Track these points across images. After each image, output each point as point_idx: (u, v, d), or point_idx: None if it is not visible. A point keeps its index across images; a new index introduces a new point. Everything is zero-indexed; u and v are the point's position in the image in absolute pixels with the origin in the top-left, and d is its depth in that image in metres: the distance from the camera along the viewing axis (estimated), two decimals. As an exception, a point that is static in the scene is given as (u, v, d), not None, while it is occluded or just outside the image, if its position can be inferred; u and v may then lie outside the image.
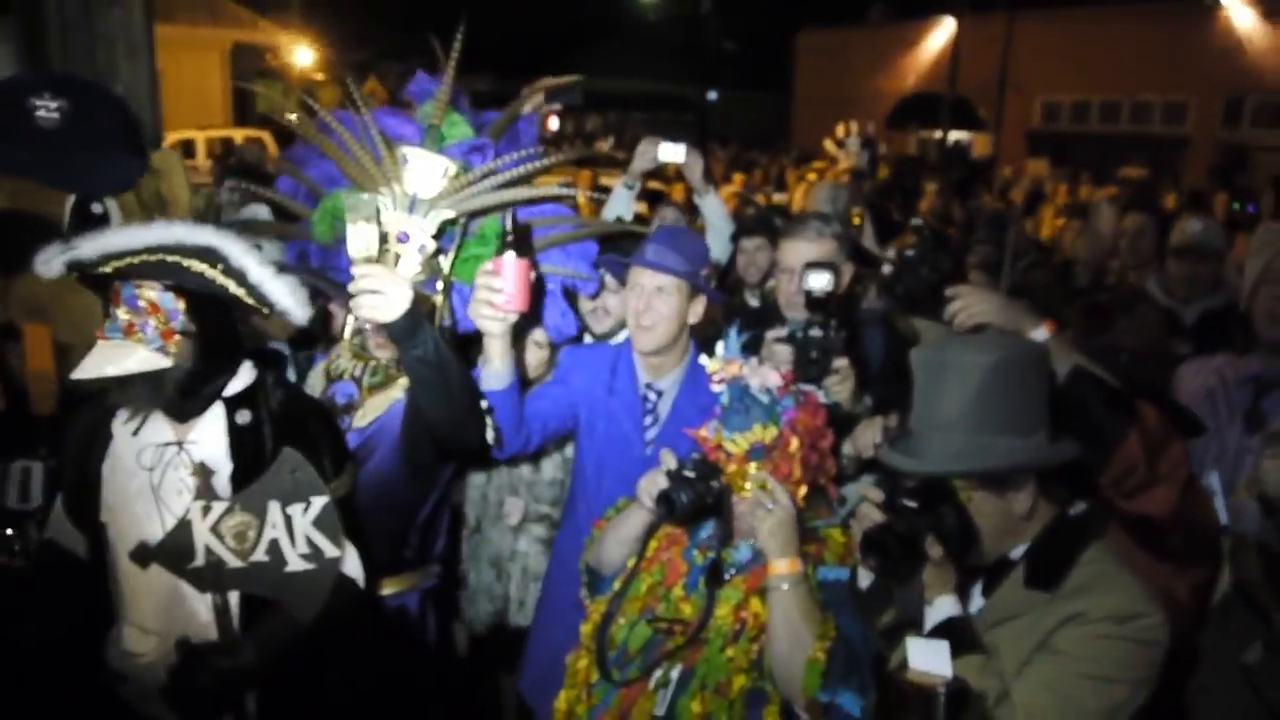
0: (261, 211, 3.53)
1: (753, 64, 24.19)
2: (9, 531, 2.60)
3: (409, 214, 2.38)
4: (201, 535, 2.13)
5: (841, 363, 2.48)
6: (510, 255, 2.28)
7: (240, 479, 2.22)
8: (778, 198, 9.41)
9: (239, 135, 14.85)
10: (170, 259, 2.07)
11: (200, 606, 2.22)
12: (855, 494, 2.41)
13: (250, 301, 2.14)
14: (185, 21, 15.38)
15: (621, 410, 2.80)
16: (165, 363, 2.12)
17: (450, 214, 2.44)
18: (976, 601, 1.88)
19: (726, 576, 2.20)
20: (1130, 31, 18.49)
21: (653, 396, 2.83)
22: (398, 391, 2.59)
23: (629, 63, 23.13)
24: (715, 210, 4.12)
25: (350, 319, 2.64)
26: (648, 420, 2.81)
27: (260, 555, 2.16)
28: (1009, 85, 19.92)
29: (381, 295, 2.14)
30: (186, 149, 14.68)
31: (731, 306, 4.10)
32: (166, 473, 2.23)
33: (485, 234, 2.72)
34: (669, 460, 2.17)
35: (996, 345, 1.83)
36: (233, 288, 2.11)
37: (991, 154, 18.38)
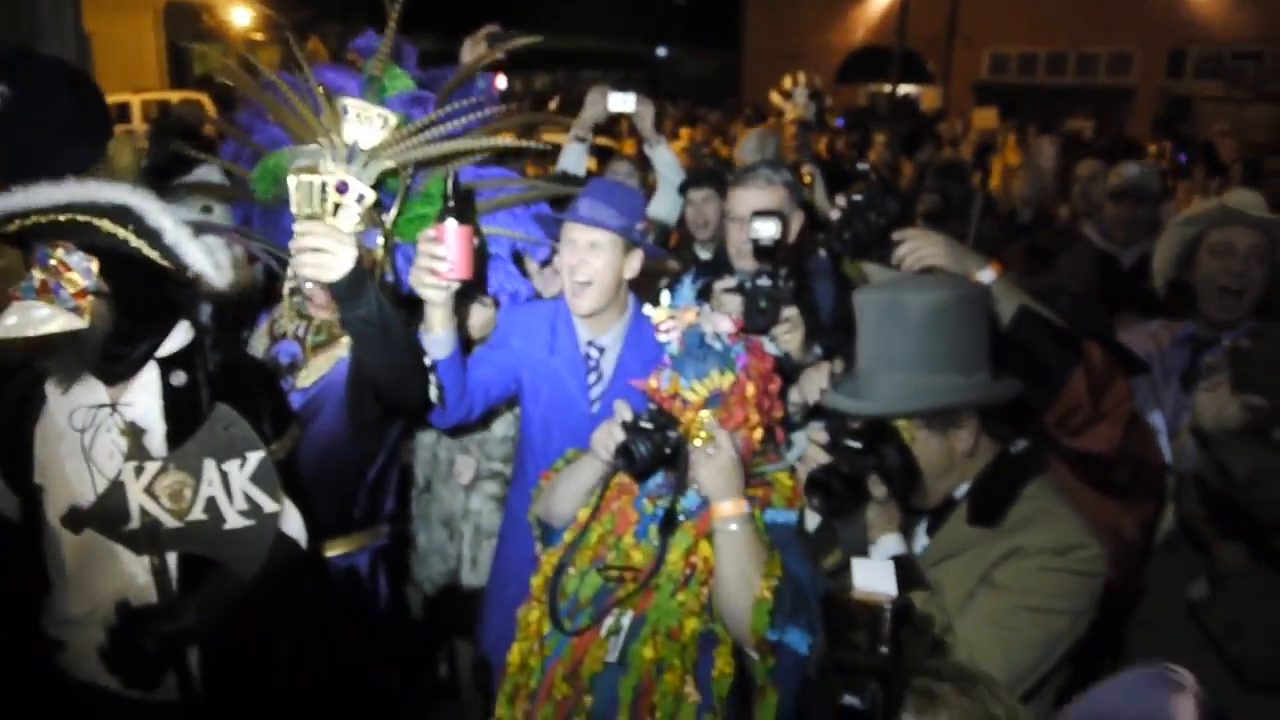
0: (213, 174, 3.44)
1: (702, 19, 23.95)
2: None
3: (348, 164, 2.32)
4: (135, 496, 2.08)
5: (791, 311, 2.47)
6: (452, 222, 2.24)
7: (175, 439, 2.17)
8: (727, 151, 9.38)
9: (176, 98, 14.43)
10: (81, 218, 2.01)
11: (138, 568, 2.18)
12: (803, 439, 2.42)
13: (165, 263, 2.08)
14: (113, -21, 14.87)
15: (564, 369, 2.77)
16: (80, 323, 2.06)
17: (390, 164, 2.38)
18: (921, 540, 1.90)
19: (678, 522, 2.20)
20: (1075, -17, 18.62)
21: (595, 354, 2.80)
22: (341, 350, 2.55)
23: (577, 19, 22.78)
24: (666, 161, 4.08)
25: (289, 277, 2.58)
26: (591, 378, 2.78)
27: (198, 514, 2.11)
28: (957, 38, 19.97)
29: (325, 254, 2.09)
30: (121, 112, 14.24)
31: (681, 259, 4.08)
32: (99, 434, 2.18)
33: (430, 193, 2.67)
34: (624, 412, 2.16)
35: (938, 285, 1.83)
36: (145, 248, 2.05)
37: (941, 106, 18.43)
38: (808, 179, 4.70)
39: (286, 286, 2.61)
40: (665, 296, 2.28)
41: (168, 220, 2.08)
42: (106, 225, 2.03)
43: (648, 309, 2.28)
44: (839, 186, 5.25)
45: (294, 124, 2.52)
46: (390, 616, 2.86)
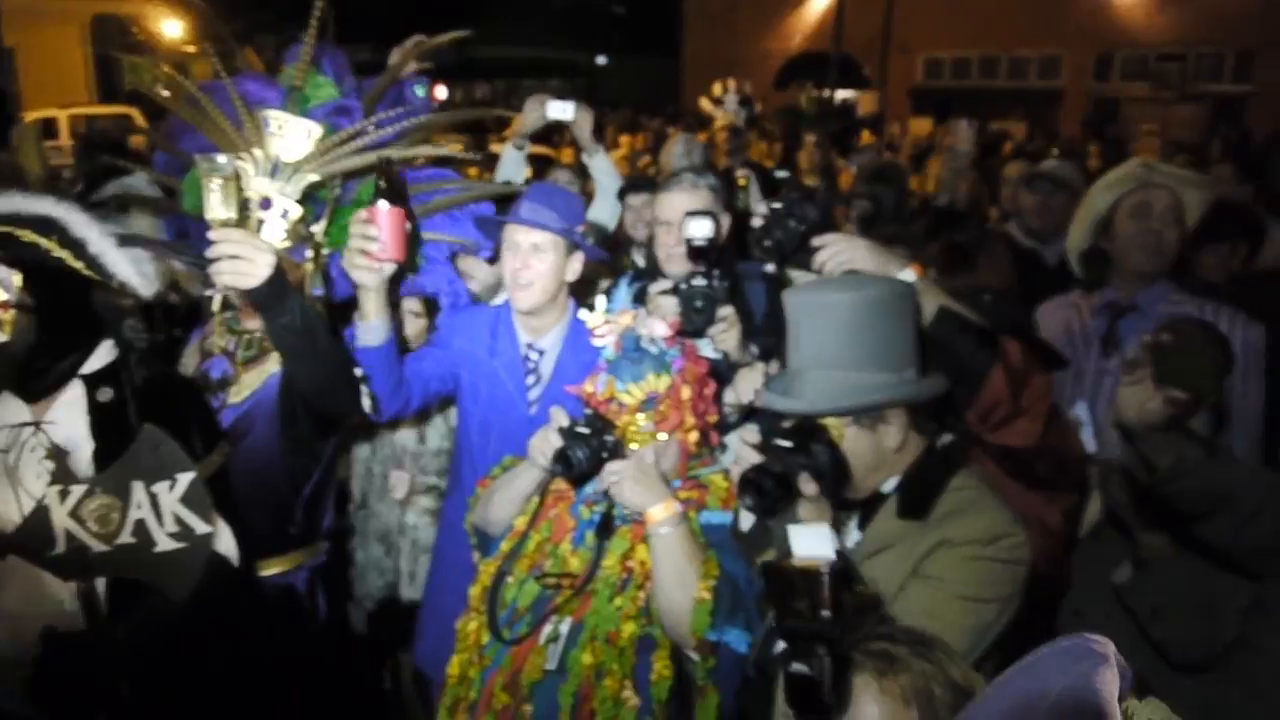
0: (138, 184, 3.37)
1: (641, 27, 24.04)
2: None
3: (271, 179, 2.29)
4: (61, 521, 2.03)
5: (726, 311, 2.49)
6: (384, 204, 2.23)
7: (104, 458, 2.12)
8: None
9: (106, 112, 14.13)
10: (2, 229, 1.96)
11: (65, 594, 2.12)
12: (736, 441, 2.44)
13: (90, 274, 2.04)
14: (37, -8, 14.51)
15: (504, 371, 2.77)
16: (1, 338, 2.00)
17: (315, 178, 2.36)
18: (853, 535, 1.92)
19: (615, 526, 2.21)
20: (1005, -12, 19.01)
21: (534, 356, 2.81)
22: (273, 365, 2.52)
23: (516, 29, 22.73)
24: (604, 170, 4.09)
25: (217, 291, 2.54)
26: (530, 380, 2.79)
27: (126, 538, 2.07)
28: (892, 43, 20.27)
29: (243, 261, 2.06)
30: (48, 128, 13.90)
31: (620, 265, 4.09)
32: (23, 454, 2.12)
33: (361, 199, 2.64)
34: (561, 418, 2.17)
35: (863, 284, 1.86)
36: (70, 259, 2.01)
37: (878, 111, 18.70)
38: (743, 182, 4.74)
39: (215, 301, 2.57)
40: (601, 301, 2.29)
41: (93, 231, 2.04)
42: (29, 236, 1.99)
43: (583, 313, 2.29)
44: (772, 192, 5.31)
45: (217, 137, 2.49)
46: (329, 634, 2.82)
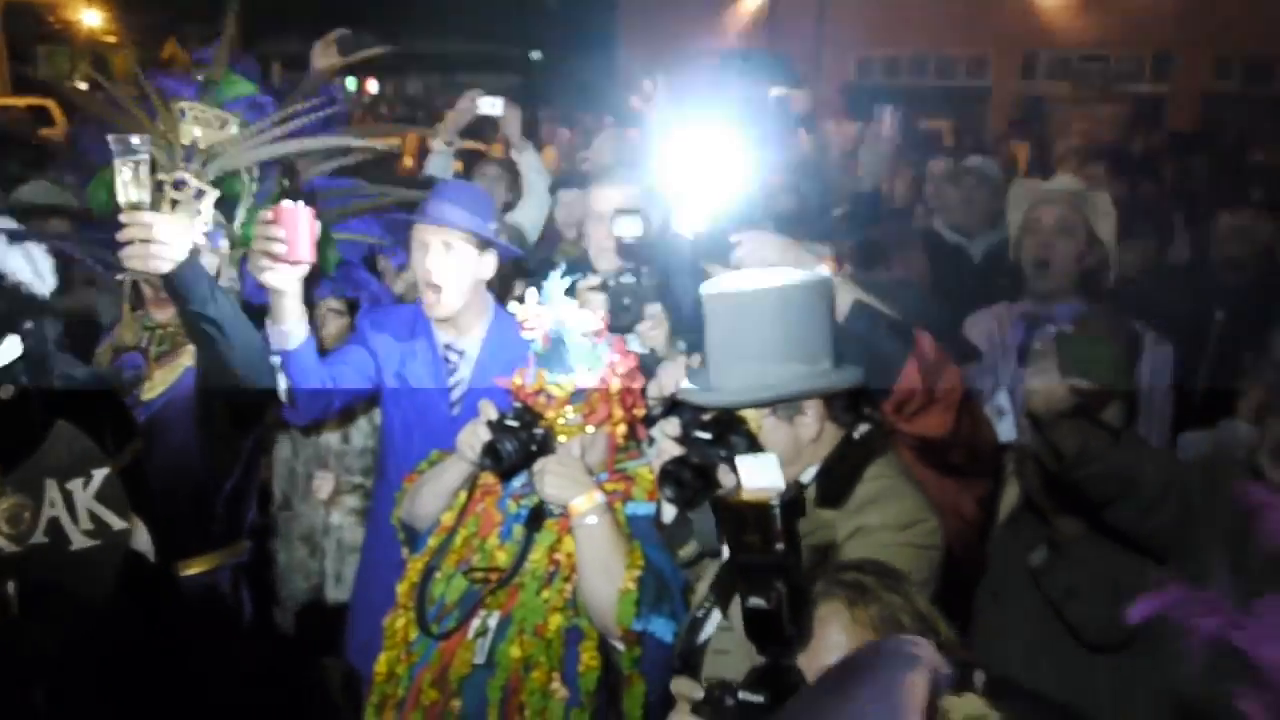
0: (41, 188, 3.30)
1: (576, 23, 23.94)
2: None
3: (185, 163, 2.26)
4: (-33, 523, 1.98)
5: (654, 309, 2.51)
6: (288, 202, 2.20)
7: (10, 457, 2.06)
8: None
9: (21, 103, 13.66)
10: None
11: (-27, 597, 2.07)
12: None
13: None
14: (-56, -22, 13.99)
15: (424, 372, 2.75)
16: None
17: (230, 165, 2.33)
18: (774, 525, 1.95)
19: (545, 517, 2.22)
20: (935, -11, 19.34)
21: (454, 357, 2.78)
22: (187, 359, 2.48)
23: (449, 23, 22.48)
24: (533, 166, 4.10)
25: (127, 277, 2.49)
26: (451, 380, 2.77)
27: (39, 537, 2.01)
28: (824, 41, 20.50)
29: (155, 245, 2.02)
30: (-44, 120, 13.40)
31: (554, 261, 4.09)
32: None
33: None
34: (489, 411, 2.17)
35: (778, 277, 1.89)
36: None
37: (811, 109, 18.90)
38: None
39: (125, 284, 2.52)
40: (531, 294, 2.29)
41: None
42: None
43: (513, 306, 2.29)
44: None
45: (134, 127, 2.44)
46: (254, 634, 2.79)
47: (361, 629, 2.82)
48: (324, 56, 2.99)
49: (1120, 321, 2.71)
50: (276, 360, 2.33)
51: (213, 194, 2.20)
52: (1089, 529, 2.45)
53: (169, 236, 2.04)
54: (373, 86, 21.53)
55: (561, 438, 2.20)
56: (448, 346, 2.78)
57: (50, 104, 11.96)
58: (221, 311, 2.13)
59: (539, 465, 2.13)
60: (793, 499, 1.32)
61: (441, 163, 3.89)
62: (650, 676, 2.07)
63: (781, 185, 4.46)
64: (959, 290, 3.82)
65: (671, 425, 1.90)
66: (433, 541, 2.31)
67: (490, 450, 2.10)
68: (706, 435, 1.81)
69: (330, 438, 3.13)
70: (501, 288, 2.89)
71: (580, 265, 3.00)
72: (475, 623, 2.16)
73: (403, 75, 23.89)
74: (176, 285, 2.08)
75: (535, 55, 24.40)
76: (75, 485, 2.02)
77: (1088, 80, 18.97)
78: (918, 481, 2.00)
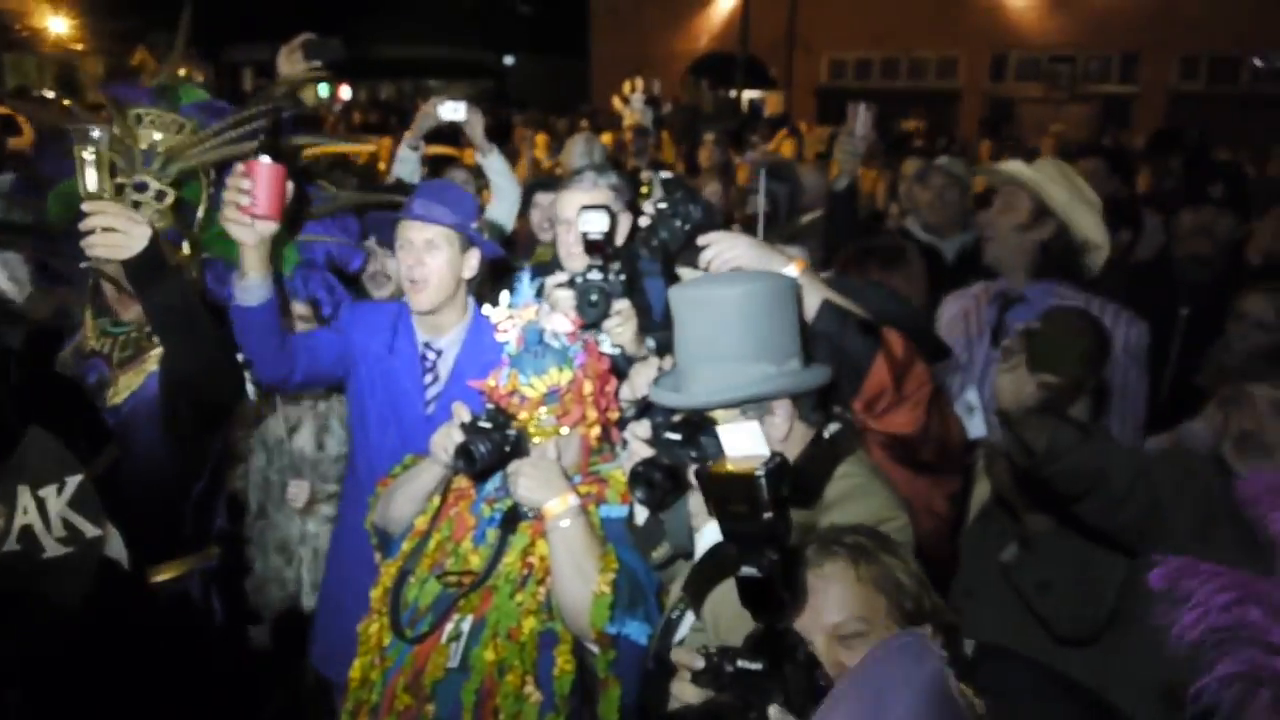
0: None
1: (549, 27, 23.92)
2: None
3: (145, 165, 2.25)
4: (-61, 532, 1.95)
5: (622, 304, 2.51)
6: (265, 159, 2.20)
7: None
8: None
9: (-11, 114, 13.48)
10: None
11: (-57, 606, 2.04)
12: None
13: None
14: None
15: (401, 369, 2.76)
16: None
17: (189, 165, 2.32)
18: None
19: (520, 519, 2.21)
20: (905, -8, 19.50)
21: (431, 356, 2.79)
22: (151, 364, 2.47)
23: (422, 28, 22.42)
24: (498, 170, 4.09)
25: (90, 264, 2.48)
26: (428, 379, 2.77)
27: (11, 545, 1.99)
28: (797, 44, 20.60)
29: (117, 233, 2.01)
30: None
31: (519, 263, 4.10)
32: None
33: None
34: (462, 413, 2.17)
35: (746, 279, 1.90)
36: None
37: (784, 111, 18.97)
38: (646, 189, 4.79)
39: (89, 284, 2.51)
40: (504, 296, 2.29)
41: None
42: None
43: (487, 308, 2.29)
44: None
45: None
46: (227, 641, 2.77)
47: (329, 634, 2.81)
48: (289, 63, 2.99)
49: (1091, 317, 2.74)
50: (241, 357, 2.31)
51: (172, 194, 2.19)
52: (1059, 524, 2.48)
53: (130, 225, 2.03)
54: (345, 92, 21.44)
55: (535, 440, 2.19)
56: (426, 345, 2.78)
57: (15, 113, 11.79)
58: (187, 301, 2.13)
59: (513, 467, 2.13)
60: (778, 466, 1.30)
61: (407, 167, 3.91)
62: (625, 679, 2.06)
63: (753, 187, 4.47)
64: (931, 291, 3.84)
65: (642, 427, 1.91)
66: (406, 546, 2.30)
67: (464, 452, 2.10)
68: (677, 436, 1.82)
69: (305, 445, 3.11)
70: (479, 290, 2.89)
71: (555, 268, 3.01)
72: (449, 627, 2.15)
73: (376, 81, 23.79)
74: (139, 273, 2.07)
75: (508, 60, 24.38)
76: (49, 492, 2.00)
77: (1056, 81, 19.17)
78: (888, 479, 2.01)
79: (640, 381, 2.35)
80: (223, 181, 2.55)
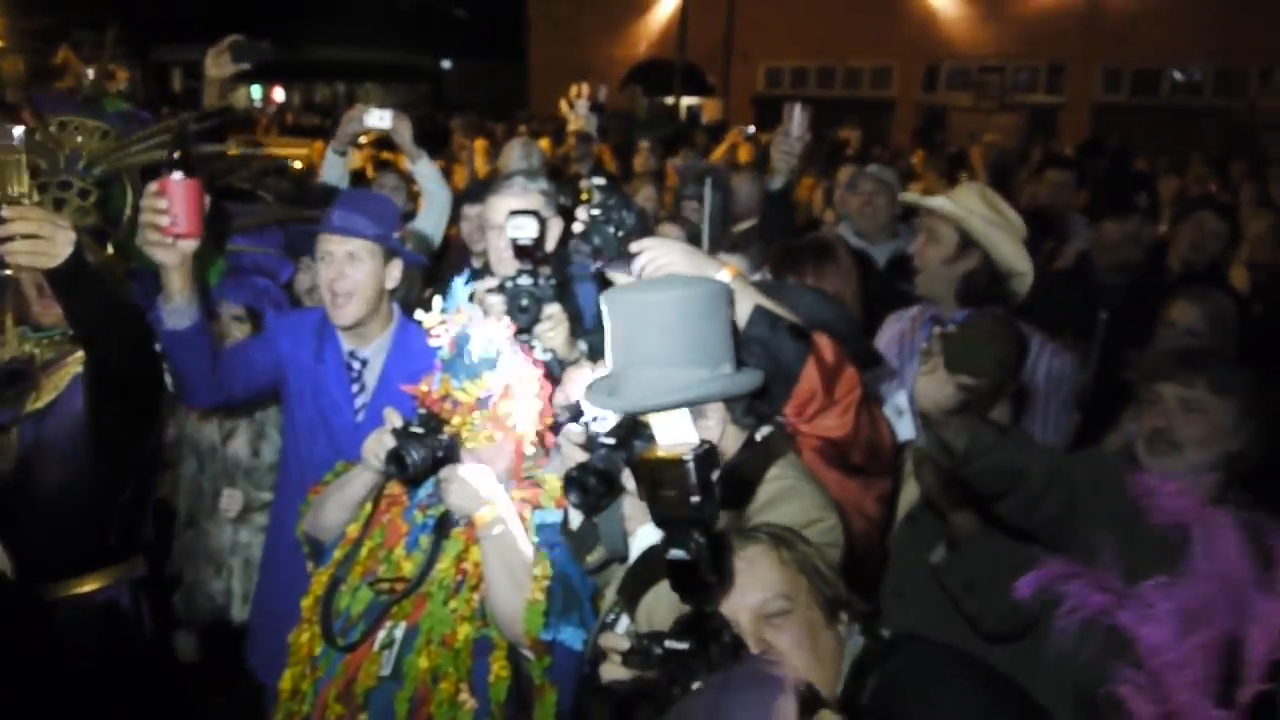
0: None
1: (486, 32, 23.79)
2: None
3: (70, 168, 2.20)
4: None
5: (553, 309, 2.51)
6: (177, 175, 2.15)
7: None
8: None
9: (-96, 113, 12.99)
10: None
11: None
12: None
13: None
14: None
15: (329, 378, 2.73)
16: None
17: (112, 168, 2.29)
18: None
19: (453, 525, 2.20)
20: (840, 2, 19.75)
21: (357, 365, 2.76)
22: (75, 367, 2.42)
23: (358, 31, 22.16)
24: (428, 175, 4.08)
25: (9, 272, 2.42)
26: (355, 388, 2.74)
27: None
28: (734, 52, 20.78)
29: (40, 240, 1.96)
30: None
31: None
32: None
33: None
34: (394, 419, 2.15)
35: (678, 284, 1.92)
36: None
37: (722, 119, 19.11)
38: (585, 195, 4.80)
39: (8, 292, 2.45)
40: (437, 301, 2.28)
41: None
42: None
43: (419, 313, 2.27)
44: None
45: None
46: (157, 652, 2.71)
47: (263, 645, 2.76)
48: (217, 64, 2.95)
49: (1007, 322, 2.80)
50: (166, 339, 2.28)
51: (96, 193, 2.15)
52: (984, 525, 2.54)
53: (54, 232, 1.98)
54: (279, 95, 21.09)
55: (468, 445, 2.19)
56: (351, 354, 2.75)
57: (-68, 113, 11.40)
58: (109, 305, 2.08)
59: (445, 473, 2.12)
60: (706, 453, 1.35)
61: (335, 172, 3.90)
62: (561, 685, 2.07)
63: (684, 193, 4.50)
64: (864, 296, 3.91)
65: (576, 432, 1.91)
66: (338, 554, 2.28)
67: (395, 457, 2.08)
68: (610, 440, 1.83)
69: (240, 453, 3.06)
70: (406, 296, 2.87)
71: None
72: (381, 634, 2.13)
73: (310, 83, 23.46)
74: (63, 281, 2.02)
75: (445, 64, 24.20)
76: None
77: (986, 91, 19.62)
78: (819, 482, 2.04)
79: (573, 387, 2.36)
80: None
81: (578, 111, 7.13)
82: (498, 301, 2.46)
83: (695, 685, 1.32)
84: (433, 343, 2.23)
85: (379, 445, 2.13)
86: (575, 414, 2.49)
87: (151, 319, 2.39)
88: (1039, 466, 2.31)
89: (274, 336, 2.77)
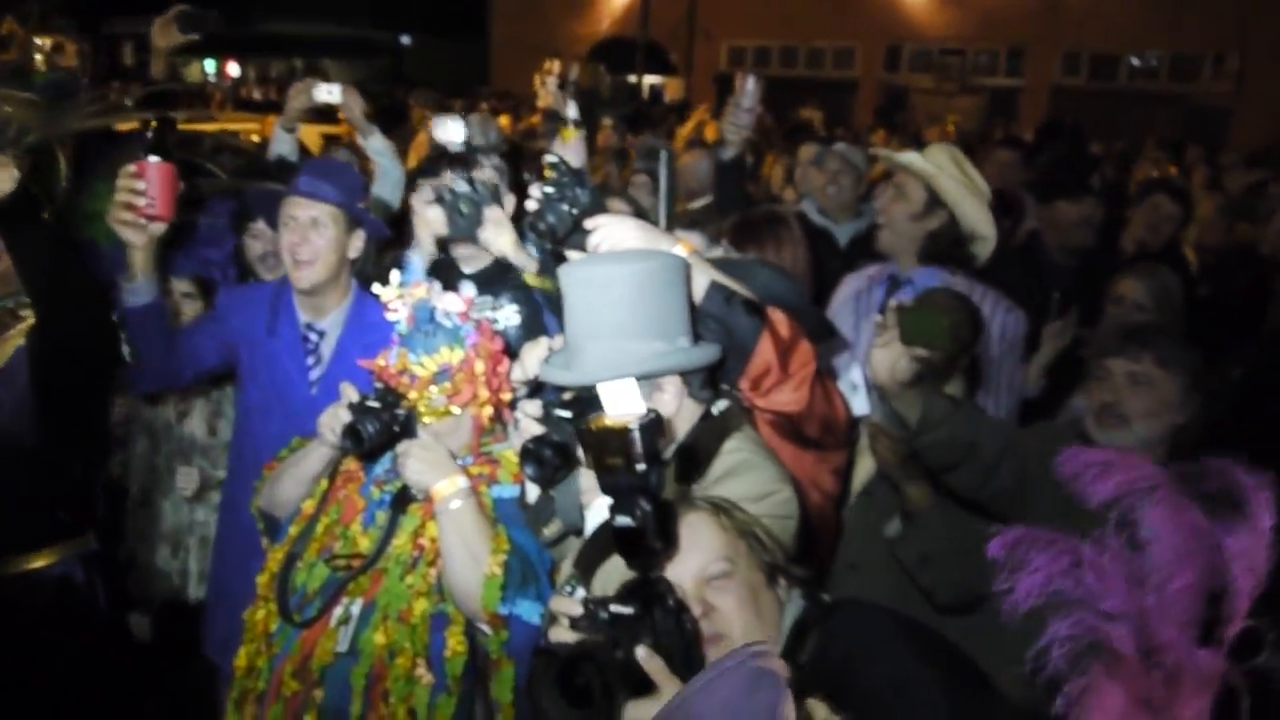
0: None
1: (447, 8, 23.48)
2: None
3: None
4: None
5: (494, 213, 2.49)
6: (155, 159, 2.14)
7: None
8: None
9: None
10: None
11: None
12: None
13: None
14: None
15: (283, 351, 2.70)
16: None
17: (42, 136, 2.25)
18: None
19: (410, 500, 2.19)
20: (803, -18, 19.82)
21: (314, 337, 2.74)
22: (18, 339, 2.36)
23: (315, 5, 21.78)
24: (380, 150, 4.04)
25: None
26: (310, 361, 2.72)
27: None
28: (697, 31, 20.73)
29: None
30: None
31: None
32: None
33: (98, 192, 2.55)
34: (350, 393, 2.13)
35: (634, 257, 1.92)
36: None
37: (684, 98, 19.08)
38: (549, 172, 4.77)
39: None
40: (395, 274, 2.26)
41: None
42: None
43: (377, 287, 2.25)
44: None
45: None
46: (112, 627, 2.68)
47: (220, 623, 2.74)
48: (163, 35, 2.90)
49: (963, 296, 2.84)
50: (115, 316, 2.26)
51: (29, 160, 2.12)
52: (939, 498, 2.58)
53: None
54: (233, 69, 20.72)
55: (425, 419, 2.17)
56: (308, 326, 2.73)
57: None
58: (56, 254, 2.06)
59: (402, 448, 2.11)
60: (651, 421, 1.37)
61: (285, 146, 3.88)
62: (519, 660, 2.07)
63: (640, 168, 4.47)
64: (825, 273, 3.93)
65: (533, 405, 1.91)
66: (294, 530, 2.26)
67: (351, 432, 2.07)
68: (567, 414, 1.83)
69: (196, 430, 3.02)
70: (362, 269, 2.84)
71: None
72: (338, 610, 2.12)
73: (266, 58, 23.05)
74: (7, 218, 2.01)
75: (405, 40, 23.89)
76: None
77: (947, 73, 19.76)
78: (774, 455, 2.06)
79: (530, 361, 2.36)
80: (83, 165, 2.48)
81: (547, 88, 7.03)
82: (438, 213, 2.43)
83: (638, 648, 1.35)
84: (390, 316, 2.21)
85: (335, 420, 2.12)
86: (533, 389, 2.49)
87: (99, 274, 2.37)
88: (990, 440, 2.35)
89: (225, 313, 2.74)
